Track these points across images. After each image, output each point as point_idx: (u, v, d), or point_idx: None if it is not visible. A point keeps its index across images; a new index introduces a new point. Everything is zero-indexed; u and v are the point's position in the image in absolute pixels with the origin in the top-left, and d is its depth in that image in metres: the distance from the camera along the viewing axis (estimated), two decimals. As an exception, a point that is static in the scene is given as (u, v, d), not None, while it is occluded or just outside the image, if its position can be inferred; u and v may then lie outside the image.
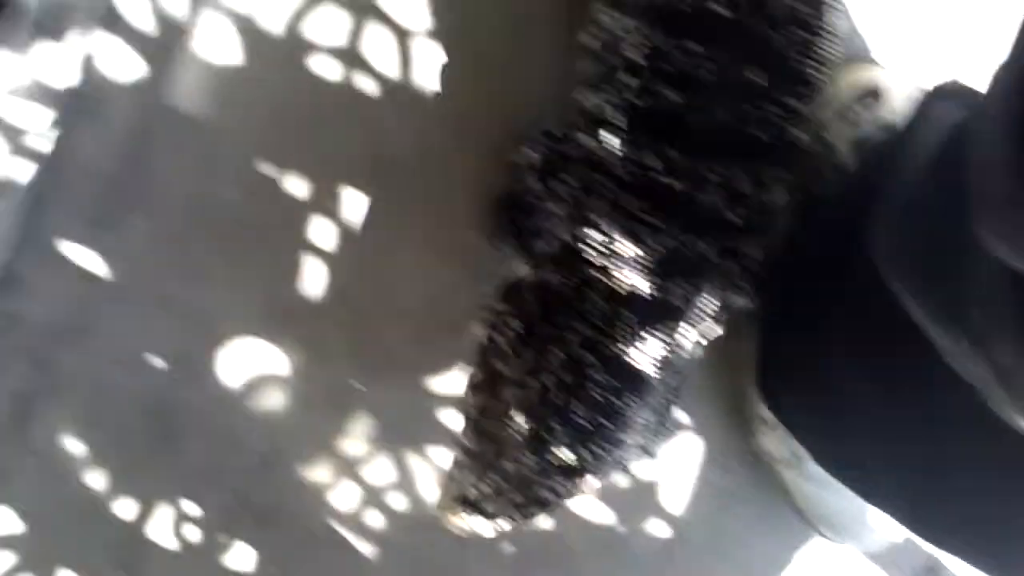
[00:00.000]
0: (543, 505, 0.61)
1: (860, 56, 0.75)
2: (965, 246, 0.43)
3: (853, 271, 0.62)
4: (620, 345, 0.59)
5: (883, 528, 0.77)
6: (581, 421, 0.58)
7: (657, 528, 0.81)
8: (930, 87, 0.67)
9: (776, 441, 0.77)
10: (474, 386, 0.64)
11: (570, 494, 0.61)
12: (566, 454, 0.59)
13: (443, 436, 0.78)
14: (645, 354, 0.59)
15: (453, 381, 0.78)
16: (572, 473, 0.60)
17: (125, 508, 0.78)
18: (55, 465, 0.77)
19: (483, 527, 0.61)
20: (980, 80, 0.63)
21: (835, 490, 0.76)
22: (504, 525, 0.62)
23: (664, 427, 0.65)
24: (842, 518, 0.79)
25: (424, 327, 0.77)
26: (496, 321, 0.63)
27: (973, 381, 0.47)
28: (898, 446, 0.61)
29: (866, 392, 0.62)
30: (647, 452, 0.65)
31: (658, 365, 0.60)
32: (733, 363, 0.78)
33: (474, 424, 0.63)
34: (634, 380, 0.59)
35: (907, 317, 0.53)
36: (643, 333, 0.59)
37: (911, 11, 0.75)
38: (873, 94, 0.71)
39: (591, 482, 0.61)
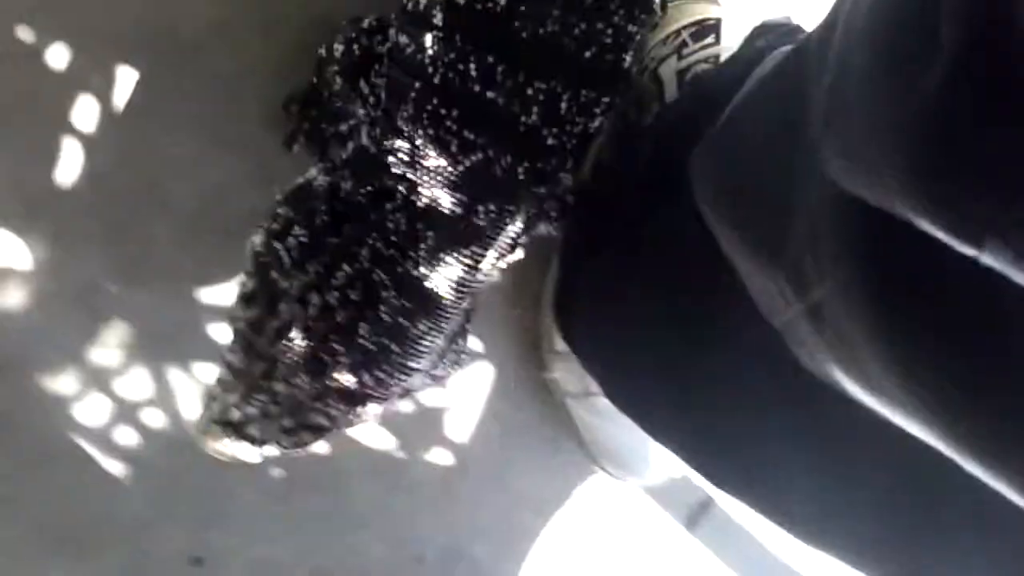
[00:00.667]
0: (316, 431, 0.66)
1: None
2: (791, 173, 0.50)
3: (665, 206, 0.71)
4: (416, 264, 0.63)
5: (663, 464, 0.94)
6: (366, 343, 0.63)
7: (438, 456, 0.92)
8: (760, 22, 0.76)
9: (567, 373, 0.91)
10: (246, 297, 0.67)
11: (348, 422, 0.66)
12: (347, 378, 0.63)
13: (210, 351, 0.84)
14: (442, 276, 0.64)
15: (224, 291, 0.84)
16: (352, 399, 0.65)
17: None
18: None
19: (247, 453, 0.65)
20: (810, 19, 0.74)
21: (620, 424, 0.90)
22: (271, 451, 0.66)
23: (456, 355, 0.72)
24: (625, 453, 0.94)
25: (195, 227, 0.82)
26: (277, 227, 0.66)
27: (773, 320, 0.54)
28: (685, 383, 0.70)
29: (659, 328, 0.72)
30: (436, 380, 0.71)
31: (455, 289, 0.65)
32: (532, 292, 0.91)
33: (243, 339, 0.66)
34: (427, 303, 0.65)
35: (710, 254, 0.60)
36: (442, 253, 0.64)
37: None
38: (703, 26, 0.82)
39: (372, 409, 0.66)
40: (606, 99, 0.64)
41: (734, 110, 0.64)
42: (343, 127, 0.80)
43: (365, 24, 0.70)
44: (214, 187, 0.82)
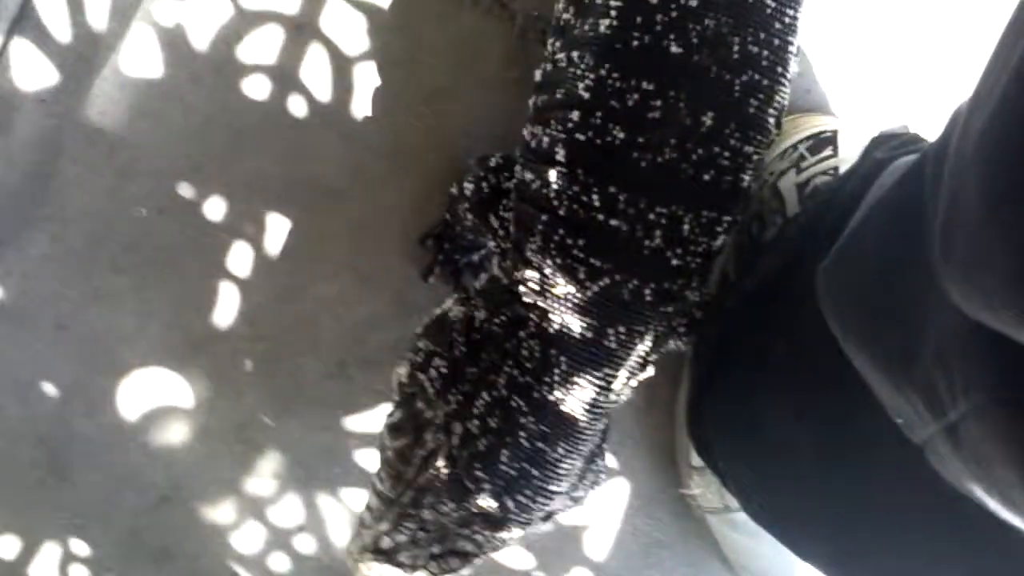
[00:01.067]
0: (464, 557, 0.69)
1: (810, 101, 0.90)
2: (916, 291, 0.51)
3: (793, 319, 0.72)
4: (551, 389, 0.66)
5: (809, 580, 0.93)
6: (508, 469, 0.66)
7: (579, 575, 0.94)
8: (877, 133, 0.77)
9: (706, 489, 0.92)
10: (393, 427, 0.71)
11: (492, 546, 0.69)
12: (489, 503, 0.66)
13: (358, 478, 0.89)
14: (577, 399, 0.67)
15: (371, 420, 0.89)
16: (496, 524, 0.67)
17: (7, 546, 0.88)
18: (-71, 498, 0.88)
19: None
20: (929, 127, 0.76)
21: (763, 541, 0.90)
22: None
23: (595, 475, 0.74)
24: (768, 569, 0.93)
25: (341, 360, 0.88)
26: (419, 359, 0.70)
27: (913, 436, 0.54)
28: (826, 500, 0.70)
29: (799, 444, 0.72)
30: (576, 501, 0.73)
31: (590, 411, 0.67)
32: (665, 408, 0.92)
33: (391, 468, 0.69)
34: (564, 426, 0.67)
35: (845, 368, 0.60)
36: (575, 377, 0.66)
37: (862, 59, 0.88)
38: (820, 138, 0.84)
39: (516, 533, 0.68)
40: (727, 218, 0.67)
41: (856, 227, 0.65)
42: (475, 258, 0.87)
43: (492, 162, 0.75)
44: (359, 322, 0.88)
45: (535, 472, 0.67)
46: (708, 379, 0.82)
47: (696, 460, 0.90)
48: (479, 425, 0.66)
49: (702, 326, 0.73)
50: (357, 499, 0.90)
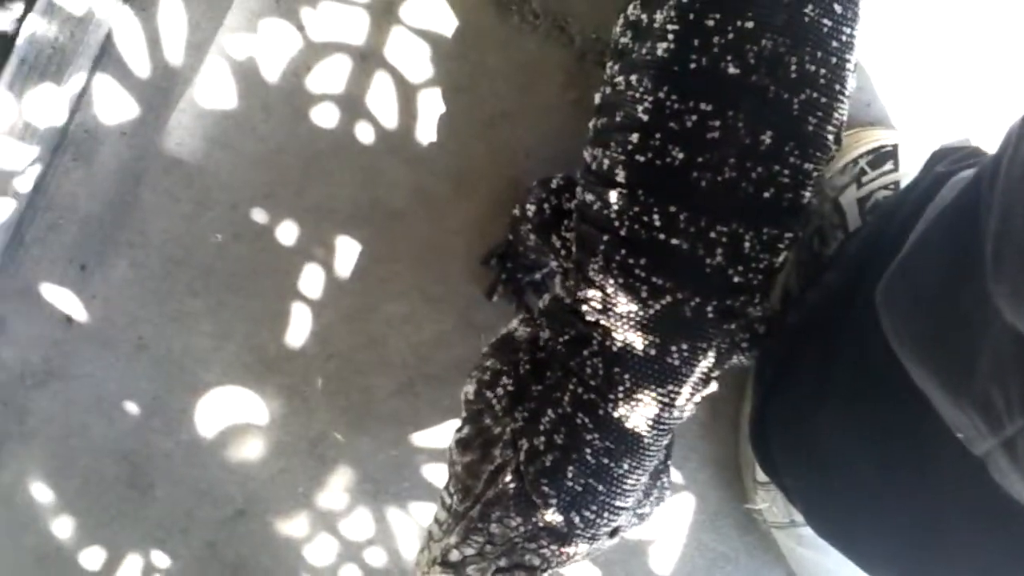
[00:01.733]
0: (529, 571, 0.70)
1: (871, 115, 0.90)
2: (971, 307, 0.52)
3: (854, 333, 0.73)
4: (615, 406, 0.67)
5: (877, 595, 0.93)
6: (574, 485, 0.67)
7: (644, 591, 0.97)
8: (938, 147, 0.78)
9: (771, 504, 0.93)
10: (461, 442, 0.72)
11: (559, 560, 0.70)
12: (555, 518, 0.67)
13: (426, 491, 0.92)
14: (641, 416, 0.68)
15: (437, 436, 0.92)
16: (563, 539, 0.69)
17: (91, 558, 0.92)
18: (20, 512, 0.91)
19: None
20: (990, 140, 0.77)
21: (829, 555, 0.90)
22: None
23: (660, 491, 0.75)
24: None
25: (410, 377, 0.91)
26: (486, 377, 0.72)
27: (973, 448, 0.55)
28: (892, 513, 0.71)
29: (862, 457, 0.72)
30: (641, 517, 0.75)
31: (653, 427, 0.69)
32: (730, 423, 0.93)
33: (460, 483, 0.71)
34: (629, 442, 0.68)
35: (907, 382, 0.61)
36: (639, 394, 0.67)
37: (922, 73, 0.88)
38: (880, 153, 0.85)
39: (582, 549, 0.70)
40: (789, 235, 0.67)
41: (915, 242, 0.65)
42: (537, 276, 0.89)
43: (553, 184, 0.77)
44: (425, 341, 0.91)
45: (601, 488, 0.68)
46: (771, 394, 0.83)
47: (761, 475, 0.90)
48: (545, 441, 0.68)
49: (765, 341, 0.74)
50: (425, 513, 0.93)
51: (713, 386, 0.72)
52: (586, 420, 0.68)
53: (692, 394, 0.70)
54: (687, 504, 0.95)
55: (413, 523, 0.94)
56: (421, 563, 0.71)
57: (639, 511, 0.74)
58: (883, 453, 0.69)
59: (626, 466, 0.69)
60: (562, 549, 0.69)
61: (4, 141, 0.81)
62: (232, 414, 0.92)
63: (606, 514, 0.69)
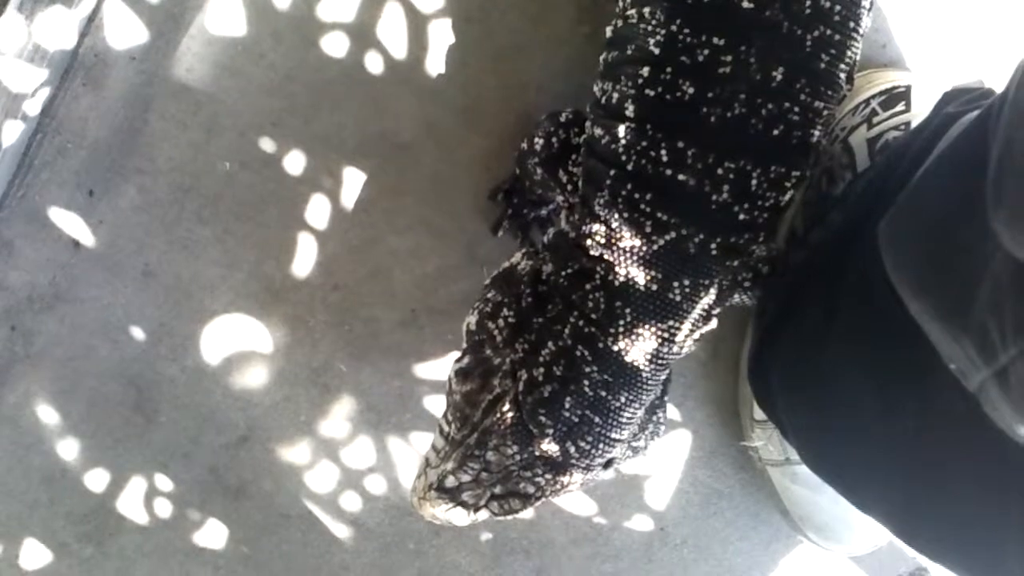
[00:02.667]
0: (524, 499, 0.72)
1: (886, 56, 0.90)
2: (973, 239, 0.52)
3: (858, 273, 0.73)
4: (615, 340, 0.68)
5: (868, 533, 0.95)
6: (571, 415, 0.68)
7: (639, 523, 0.97)
8: (951, 88, 0.78)
9: (767, 442, 0.95)
10: (461, 372, 0.73)
11: (555, 490, 0.72)
12: (551, 448, 0.69)
13: (427, 423, 0.94)
14: (640, 350, 0.69)
15: (440, 368, 0.93)
16: (558, 468, 0.70)
17: (96, 480, 0.95)
18: (27, 434, 0.93)
19: (459, 517, 0.70)
20: (1004, 82, 0.79)
21: (823, 493, 0.93)
22: (480, 516, 0.71)
23: (655, 426, 0.77)
24: (828, 521, 0.95)
25: (415, 312, 0.92)
26: (488, 308, 0.73)
27: (968, 383, 0.56)
28: (888, 452, 0.71)
29: (860, 396, 0.73)
30: (635, 451, 0.76)
31: (652, 362, 0.70)
32: (730, 362, 0.95)
33: (458, 410, 0.72)
34: (627, 376, 0.69)
35: (908, 323, 0.62)
36: (639, 329, 0.68)
37: (938, 14, 0.88)
38: (893, 94, 0.85)
39: (577, 478, 0.71)
40: (796, 173, 0.68)
41: (922, 177, 0.66)
42: (543, 212, 0.90)
43: (563, 118, 0.77)
44: (430, 273, 0.92)
45: (597, 419, 0.69)
46: (773, 332, 0.83)
47: (758, 413, 0.92)
48: (544, 372, 0.69)
49: (767, 280, 0.75)
50: (426, 443, 0.94)
51: (713, 323, 0.73)
52: (585, 353, 0.69)
53: (692, 330, 0.71)
54: (684, 441, 0.97)
55: (414, 453, 0.96)
56: (417, 489, 0.73)
57: (634, 444, 0.75)
58: (881, 393, 0.70)
59: (623, 399, 0.70)
60: (557, 478, 0.71)
61: (13, 64, 0.82)
62: (237, 342, 0.93)
63: (601, 445, 0.70)
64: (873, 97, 0.86)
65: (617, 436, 0.71)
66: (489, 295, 0.74)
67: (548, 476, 0.71)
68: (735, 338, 0.94)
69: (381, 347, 0.93)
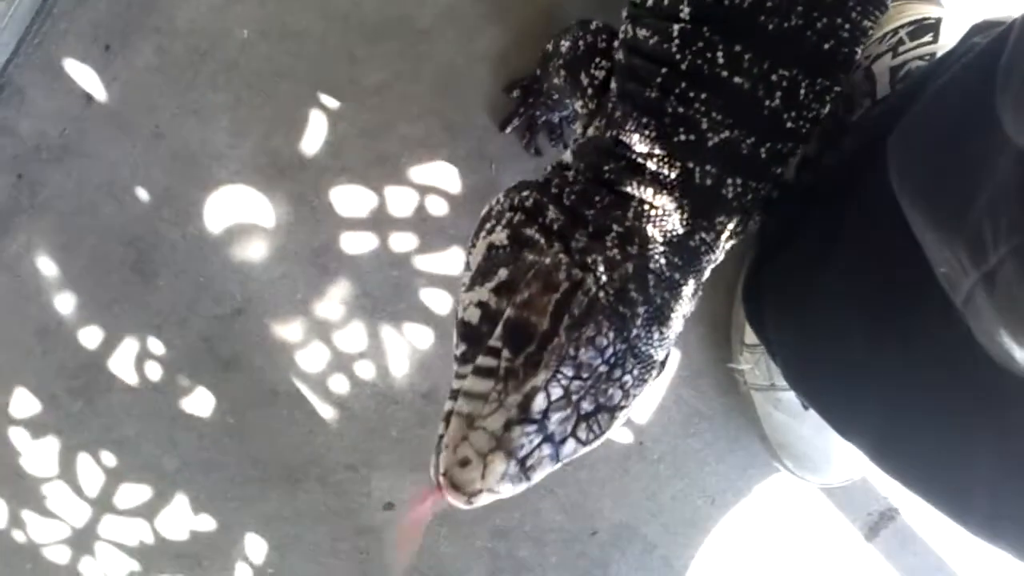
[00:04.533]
0: (611, 412, 0.63)
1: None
2: (980, 150, 0.53)
3: (864, 196, 0.74)
4: (682, 223, 0.67)
5: (844, 465, 0.96)
6: (655, 294, 0.65)
7: (619, 434, 0.98)
8: (979, 20, 0.77)
9: (755, 366, 0.96)
10: (504, 286, 0.64)
11: (635, 393, 0.64)
12: (641, 331, 0.64)
13: (421, 315, 0.94)
14: (700, 238, 0.68)
15: (440, 262, 0.94)
16: (644, 360, 0.64)
17: (90, 336, 0.96)
18: (25, 283, 0.94)
19: (536, 463, 0.60)
20: None
21: (804, 421, 0.94)
22: (540, 475, 0.61)
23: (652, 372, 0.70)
24: (806, 449, 0.96)
25: (420, 203, 0.92)
26: (520, 216, 0.68)
27: (955, 294, 0.56)
28: (872, 378, 0.72)
29: (850, 321, 0.74)
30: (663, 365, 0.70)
31: (707, 253, 0.69)
32: (727, 286, 0.95)
33: (515, 328, 0.62)
34: (692, 261, 0.68)
35: (906, 248, 0.62)
36: (698, 219, 0.68)
37: None
38: (922, 25, 0.84)
39: (653, 375, 0.66)
40: (837, 88, 0.70)
41: (935, 91, 0.67)
42: (555, 118, 0.89)
43: (593, 25, 0.77)
44: (438, 165, 0.92)
45: (672, 304, 0.67)
46: (772, 251, 0.84)
47: (750, 337, 0.93)
48: (619, 252, 0.65)
49: (774, 206, 0.76)
50: (418, 335, 0.96)
51: (752, 228, 0.74)
52: (655, 233, 0.68)
53: (731, 235, 0.72)
54: (672, 359, 0.98)
55: (406, 344, 0.96)
56: (466, 456, 0.59)
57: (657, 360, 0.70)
58: (873, 319, 0.71)
59: (691, 286, 0.69)
60: (642, 375, 0.64)
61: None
62: (240, 214, 0.94)
63: (670, 333, 0.67)
64: (902, 27, 0.86)
65: (677, 328, 0.68)
66: (524, 193, 0.70)
67: (635, 372, 0.63)
68: (735, 261, 0.94)
69: (383, 234, 0.94)
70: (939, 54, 0.81)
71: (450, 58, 0.89)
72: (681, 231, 0.69)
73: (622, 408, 0.64)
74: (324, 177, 0.92)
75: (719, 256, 0.72)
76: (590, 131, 0.74)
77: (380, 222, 0.94)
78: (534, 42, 0.85)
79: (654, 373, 0.67)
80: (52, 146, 0.91)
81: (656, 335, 0.66)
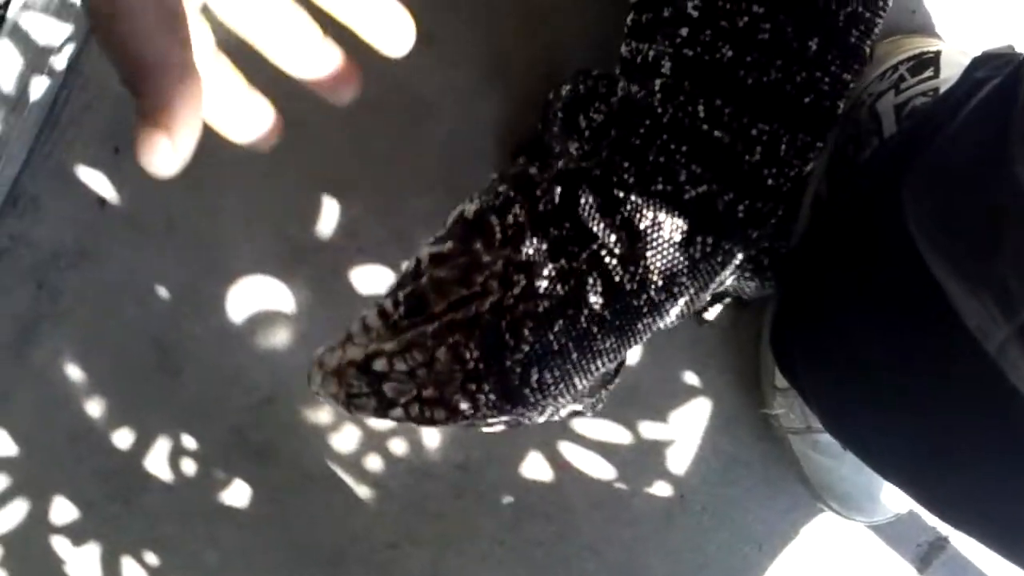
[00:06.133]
0: (452, 413, 0.63)
1: (915, 22, 0.88)
2: (998, 194, 0.52)
3: (882, 236, 0.73)
4: (631, 279, 0.65)
5: (889, 502, 0.95)
6: (553, 340, 0.63)
7: (659, 489, 0.97)
8: (980, 53, 0.76)
9: (788, 410, 0.94)
10: (438, 256, 0.66)
11: (485, 416, 0.64)
12: (515, 367, 0.62)
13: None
14: (646, 298, 0.66)
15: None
16: (507, 394, 0.63)
17: (123, 438, 0.96)
18: (54, 391, 0.94)
19: (365, 406, 0.63)
20: None
21: (844, 461, 0.93)
22: (391, 416, 0.63)
23: (600, 394, 0.72)
24: (849, 489, 0.95)
25: (435, 273, 0.94)
26: (495, 202, 0.67)
27: (987, 342, 0.56)
28: (908, 418, 0.71)
29: (882, 361, 0.73)
30: (568, 412, 0.70)
31: (650, 314, 0.67)
32: (751, 329, 0.94)
33: (418, 294, 0.64)
34: (624, 320, 0.66)
35: (928, 285, 0.62)
36: (653, 276, 0.66)
37: None
38: (922, 59, 0.84)
39: (516, 414, 0.65)
40: (819, 144, 0.69)
41: (949, 133, 0.66)
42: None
43: (594, 72, 0.78)
44: (453, 234, 0.92)
45: (574, 355, 0.65)
46: (795, 297, 0.84)
47: (780, 380, 0.92)
48: (547, 287, 0.65)
49: (767, 273, 0.78)
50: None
51: (703, 301, 0.72)
52: (597, 281, 0.66)
53: (692, 296, 0.69)
54: (704, 408, 0.97)
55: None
56: (327, 362, 0.64)
57: (574, 407, 0.71)
58: (903, 358, 0.70)
59: (608, 343, 0.66)
60: (500, 404, 0.63)
61: (39, 18, 0.82)
62: (261, 302, 0.94)
63: (561, 386, 0.65)
64: (901, 63, 0.86)
65: (578, 383, 0.66)
66: (501, 188, 0.69)
67: (491, 397, 0.63)
68: (757, 306, 0.93)
69: (403, 309, 0.93)
70: (942, 88, 0.81)
71: (454, 128, 0.89)
72: (628, 287, 0.66)
73: (465, 418, 0.63)
74: (341, 259, 0.92)
75: (666, 322, 0.69)
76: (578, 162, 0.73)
77: (400, 298, 0.93)
78: (536, 106, 0.85)
79: (528, 416, 0.66)
80: (69, 252, 0.91)
81: (533, 378, 0.63)
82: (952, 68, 0.82)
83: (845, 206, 0.82)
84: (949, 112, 0.70)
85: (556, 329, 0.64)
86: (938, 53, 0.85)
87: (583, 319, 0.65)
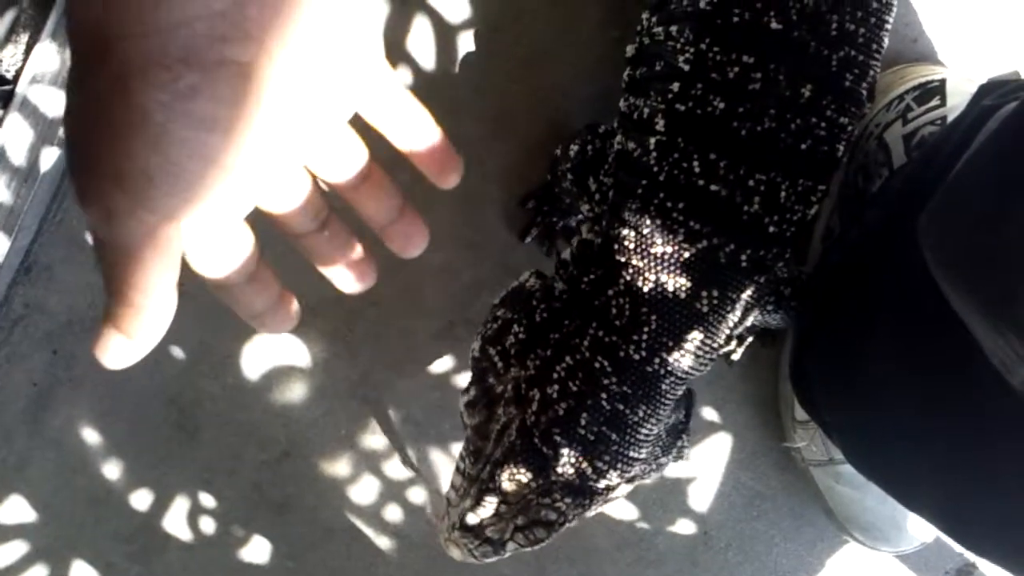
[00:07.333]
0: (547, 526, 0.68)
1: (917, 51, 0.89)
2: (1016, 232, 0.52)
3: (897, 268, 0.73)
4: (637, 348, 0.66)
5: (915, 531, 0.94)
6: (586, 433, 0.66)
7: (683, 527, 0.97)
8: (985, 80, 0.76)
9: (810, 442, 0.94)
10: (469, 404, 0.71)
11: (576, 513, 0.69)
12: (567, 470, 0.66)
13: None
14: (662, 361, 0.67)
15: (478, 377, 0.95)
16: (576, 491, 0.67)
17: (141, 499, 0.95)
18: (71, 456, 0.94)
19: (487, 554, 0.68)
20: None
21: (868, 492, 0.92)
22: (510, 549, 0.68)
23: (678, 449, 0.75)
24: (874, 520, 0.94)
25: (451, 323, 0.92)
26: (491, 332, 0.71)
27: (1011, 377, 0.55)
28: (932, 448, 0.71)
29: (904, 393, 0.73)
30: (659, 467, 0.73)
31: (673, 374, 0.68)
32: (769, 363, 0.94)
33: (471, 444, 0.70)
34: (646, 388, 0.67)
35: (948, 317, 0.61)
36: (663, 338, 0.67)
37: (970, 6, 0.87)
38: (927, 88, 0.84)
39: (599, 500, 0.69)
40: (821, 188, 0.69)
41: (961, 170, 0.65)
42: (572, 222, 0.89)
43: (601, 129, 0.77)
44: (464, 286, 0.92)
45: (614, 436, 0.67)
46: (813, 331, 0.83)
47: (800, 413, 0.91)
48: (559, 389, 0.67)
49: (789, 303, 0.76)
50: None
51: (732, 344, 0.75)
52: (605, 363, 0.67)
53: (713, 347, 0.70)
54: (725, 443, 0.96)
55: (453, 464, 0.95)
56: (442, 530, 0.71)
57: (659, 461, 0.73)
58: (924, 388, 0.70)
59: (641, 413, 0.68)
60: (577, 501, 0.68)
61: (48, 91, 0.82)
62: (276, 358, 0.93)
63: (620, 464, 0.68)
64: (907, 92, 0.85)
65: (635, 455, 0.69)
66: (498, 313, 0.73)
67: (568, 500, 0.68)
68: (776, 340, 0.92)
69: (419, 360, 0.93)
70: (950, 117, 0.81)
71: (463, 181, 0.88)
72: (636, 357, 0.67)
73: (561, 524, 0.69)
74: (355, 312, 0.92)
75: (698, 372, 0.70)
76: (587, 235, 0.74)
77: (414, 347, 0.93)
78: (543, 154, 0.85)
79: (599, 500, 0.69)
80: (83, 318, 0.91)
81: (588, 470, 0.67)
82: (958, 96, 0.82)
83: (858, 239, 0.82)
84: (959, 143, 0.70)
85: (583, 423, 0.66)
86: (943, 81, 0.84)
87: (604, 403, 0.67)
